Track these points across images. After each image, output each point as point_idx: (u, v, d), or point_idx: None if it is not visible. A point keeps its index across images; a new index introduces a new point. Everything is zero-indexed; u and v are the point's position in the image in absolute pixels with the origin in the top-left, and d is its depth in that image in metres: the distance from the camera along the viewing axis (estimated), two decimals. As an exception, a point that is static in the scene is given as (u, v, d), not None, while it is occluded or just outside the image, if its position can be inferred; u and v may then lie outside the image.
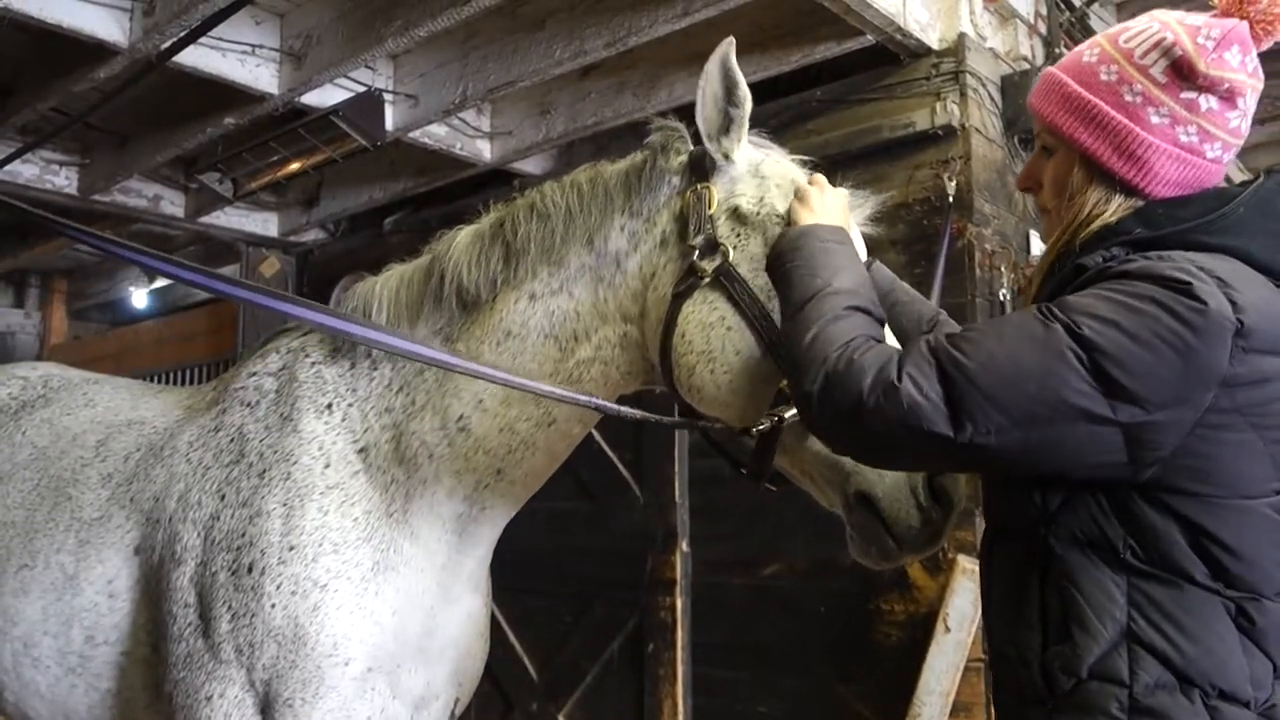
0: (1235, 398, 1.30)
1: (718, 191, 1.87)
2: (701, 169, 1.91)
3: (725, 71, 1.83)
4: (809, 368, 1.43)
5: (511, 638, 4.86)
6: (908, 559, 1.74)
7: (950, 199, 3.76)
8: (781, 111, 4.28)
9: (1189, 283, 1.29)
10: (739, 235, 1.84)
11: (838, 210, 1.78)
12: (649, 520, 4.50)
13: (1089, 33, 4.73)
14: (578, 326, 2.00)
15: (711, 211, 1.85)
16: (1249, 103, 1.43)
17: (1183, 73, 1.40)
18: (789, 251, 1.66)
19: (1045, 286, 1.52)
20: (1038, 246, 4.09)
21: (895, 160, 3.93)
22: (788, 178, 1.89)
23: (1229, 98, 1.41)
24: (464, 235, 2.15)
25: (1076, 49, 1.53)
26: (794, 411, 1.68)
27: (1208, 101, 1.41)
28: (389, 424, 2.11)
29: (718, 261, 1.81)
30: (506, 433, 2.05)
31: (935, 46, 3.93)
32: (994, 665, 1.52)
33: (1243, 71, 1.41)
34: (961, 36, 3.92)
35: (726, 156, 1.88)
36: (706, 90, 1.85)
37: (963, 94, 3.85)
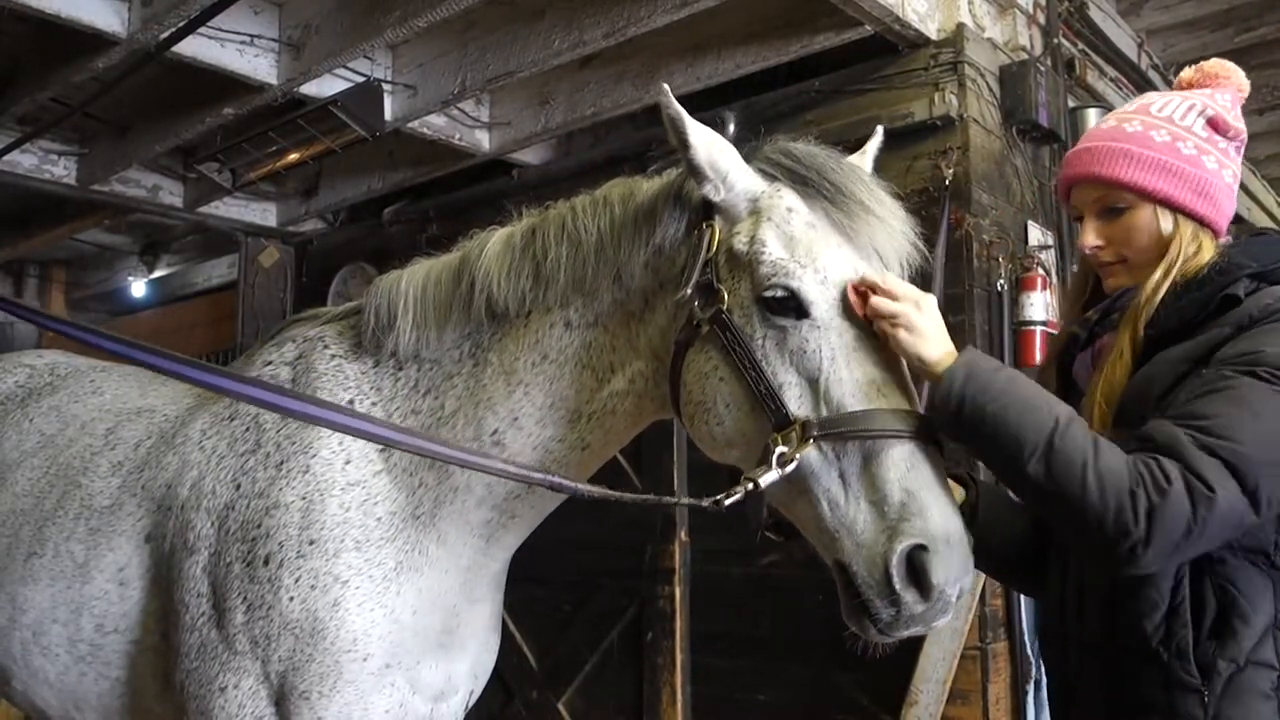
0: None
1: (720, 230, 1.78)
2: (709, 205, 1.80)
3: (669, 121, 1.77)
4: (1121, 512, 1.45)
5: (511, 627, 4.87)
6: (894, 638, 1.62)
7: (948, 189, 3.77)
8: (780, 102, 4.28)
9: None
10: (734, 278, 1.74)
11: (935, 315, 1.65)
12: (648, 510, 4.51)
13: (1088, 23, 4.73)
14: (613, 359, 1.95)
15: (710, 255, 1.75)
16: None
17: (1217, 128, 1.74)
18: (979, 396, 1.56)
19: (1159, 316, 1.67)
20: (1035, 237, 4.10)
21: (893, 150, 3.88)
22: (783, 206, 1.75)
23: (1240, 147, 1.78)
24: (495, 242, 2.05)
25: (1107, 126, 1.79)
26: (771, 478, 1.65)
27: (1232, 149, 1.76)
28: (415, 426, 2.07)
29: (713, 309, 1.73)
30: (540, 450, 2.02)
31: (934, 37, 3.93)
32: (1114, 652, 1.64)
33: (1243, 126, 1.78)
34: (960, 27, 3.93)
35: (708, 199, 1.79)
36: (670, 139, 1.79)
37: (961, 84, 3.85)
